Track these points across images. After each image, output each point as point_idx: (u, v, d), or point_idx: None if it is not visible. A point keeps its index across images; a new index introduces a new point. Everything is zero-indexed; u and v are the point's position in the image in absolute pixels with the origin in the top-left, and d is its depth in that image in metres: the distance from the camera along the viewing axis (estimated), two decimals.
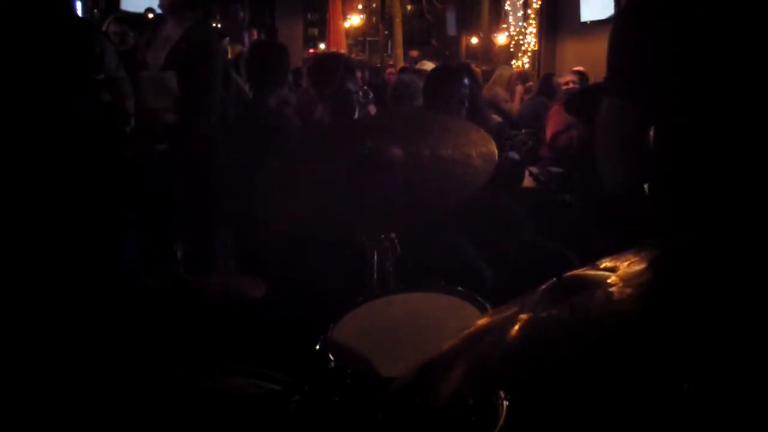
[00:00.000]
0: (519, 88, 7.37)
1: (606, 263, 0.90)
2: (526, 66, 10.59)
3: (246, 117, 3.24)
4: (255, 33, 8.36)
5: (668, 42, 1.26)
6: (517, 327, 0.85)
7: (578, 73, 6.15)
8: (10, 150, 2.13)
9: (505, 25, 12.90)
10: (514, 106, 6.97)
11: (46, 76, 2.23)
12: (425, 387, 0.86)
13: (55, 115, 2.20)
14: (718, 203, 1.23)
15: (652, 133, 1.34)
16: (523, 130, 5.79)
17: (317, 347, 1.41)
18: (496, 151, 1.79)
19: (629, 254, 0.89)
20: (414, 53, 16.60)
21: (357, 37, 19.51)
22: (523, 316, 0.86)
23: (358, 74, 4.55)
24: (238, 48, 7.03)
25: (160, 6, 3.56)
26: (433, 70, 3.87)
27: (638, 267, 0.83)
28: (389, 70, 10.04)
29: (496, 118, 4.12)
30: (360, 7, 17.34)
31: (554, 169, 4.59)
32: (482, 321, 1.02)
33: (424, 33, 20.63)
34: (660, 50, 1.27)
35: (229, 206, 2.71)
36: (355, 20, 16.79)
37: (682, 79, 1.25)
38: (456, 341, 0.95)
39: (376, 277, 1.83)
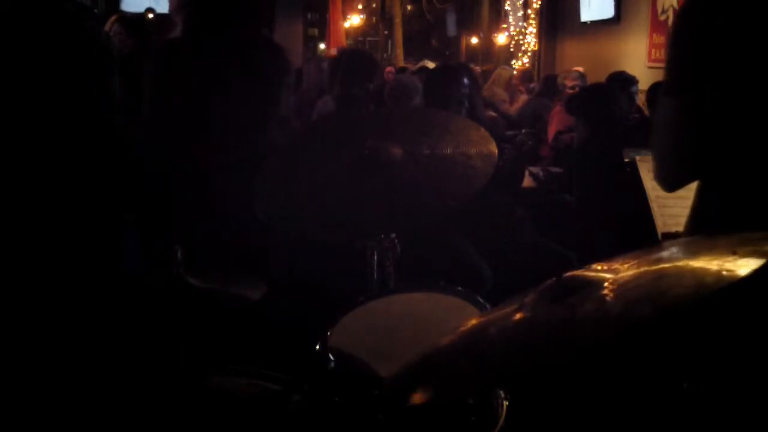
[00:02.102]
0: (523, 98, 7.32)
1: (605, 263, 0.90)
2: (526, 65, 10.60)
3: None
4: None
5: (729, 40, 1.26)
6: (516, 327, 0.85)
7: (582, 74, 6.15)
8: (9, 149, 2.14)
9: (505, 25, 12.92)
10: (514, 108, 6.95)
11: (45, 77, 2.23)
12: (423, 385, 0.86)
13: (53, 115, 2.20)
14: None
15: (708, 132, 1.34)
16: (523, 130, 5.79)
17: (317, 347, 1.41)
18: (497, 151, 1.79)
19: (629, 255, 0.89)
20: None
21: (357, 37, 19.51)
22: (523, 316, 0.86)
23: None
24: None
25: (170, 9, 3.57)
26: (433, 70, 3.88)
27: (638, 268, 0.83)
28: (388, 69, 10.04)
29: (491, 114, 4.12)
30: (360, 7, 17.35)
31: (554, 169, 4.60)
32: (480, 319, 1.02)
33: (424, 33, 20.63)
34: (721, 49, 1.26)
35: (230, 206, 2.71)
36: (355, 20, 16.79)
37: (743, 78, 1.25)
38: (453, 339, 0.94)
39: (376, 277, 1.83)
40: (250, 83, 2.48)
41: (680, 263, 0.83)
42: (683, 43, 1.34)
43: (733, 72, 1.25)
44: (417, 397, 0.84)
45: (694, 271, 0.78)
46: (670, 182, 1.44)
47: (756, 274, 0.70)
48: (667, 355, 0.66)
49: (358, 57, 4.06)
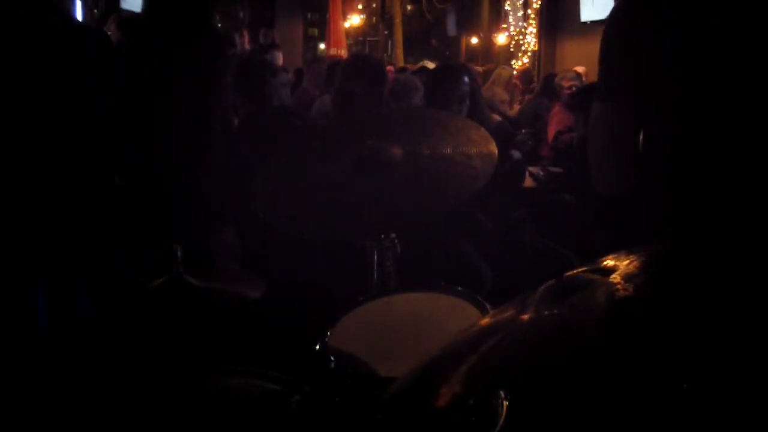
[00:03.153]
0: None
1: (605, 263, 0.90)
2: (526, 65, 10.60)
3: (251, 119, 3.25)
4: (246, 35, 8.36)
5: (661, 47, 1.25)
6: (517, 327, 0.85)
7: (579, 74, 6.15)
8: (8, 150, 2.14)
9: (505, 25, 12.91)
10: (513, 111, 6.94)
11: (44, 78, 2.23)
12: (426, 387, 0.86)
13: (52, 116, 2.20)
14: (711, 205, 1.23)
15: (642, 136, 1.33)
16: (523, 130, 5.79)
17: (317, 347, 1.41)
18: (497, 151, 1.79)
19: (628, 254, 0.89)
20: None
21: (357, 37, 19.50)
22: (524, 317, 0.86)
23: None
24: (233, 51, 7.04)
25: None
26: (433, 70, 3.87)
27: (637, 266, 0.83)
28: (388, 68, 10.05)
29: (497, 117, 4.12)
30: (360, 7, 17.32)
31: (554, 169, 4.60)
32: (483, 321, 1.02)
33: (424, 33, 20.62)
34: (653, 55, 1.26)
35: (230, 206, 2.71)
36: (355, 20, 16.77)
37: (677, 84, 1.24)
38: (457, 342, 0.95)
39: (376, 277, 1.83)
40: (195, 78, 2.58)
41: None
42: (615, 48, 1.34)
43: (666, 78, 1.25)
44: (423, 401, 0.84)
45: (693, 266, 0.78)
46: (605, 190, 1.44)
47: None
48: (666, 353, 0.67)
49: (365, 57, 4.04)
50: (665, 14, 1.27)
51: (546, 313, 0.83)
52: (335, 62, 6.05)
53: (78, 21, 2.65)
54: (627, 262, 0.86)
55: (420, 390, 0.87)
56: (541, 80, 7.46)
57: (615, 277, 0.82)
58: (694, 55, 1.23)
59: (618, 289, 0.78)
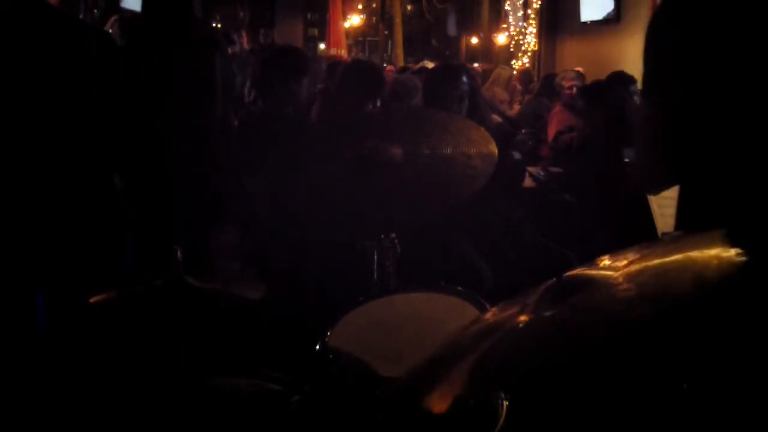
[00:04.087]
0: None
1: (605, 262, 0.90)
2: (526, 65, 10.60)
3: (257, 119, 3.25)
4: (246, 35, 8.37)
5: (700, 45, 1.26)
6: (517, 327, 0.85)
7: (580, 74, 6.15)
8: (10, 151, 2.14)
9: (505, 25, 12.90)
10: (513, 111, 6.94)
11: (44, 78, 2.23)
12: (426, 387, 0.86)
13: (51, 116, 2.20)
14: (747, 205, 1.23)
15: (686, 134, 1.34)
16: (523, 130, 5.79)
17: (317, 347, 1.41)
18: (496, 151, 1.79)
19: (629, 253, 0.89)
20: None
21: (357, 37, 19.50)
22: (524, 317, 0.86)
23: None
24: (233, 49, 7.03)
25: None
26: (433, 69, 3.87)
27: (638, 266, 0.83)
28: (389, 68, 10.03)
29: (497, 118, 4.12)
30: (360, 7, 17.32)
31: (554, 169, 4.60)
32: (482, 321, 1.02)
33: (424, 33, 20.63)
34: (692, 53, 1.27)
35: (230, 206, 2.71)
36: (355, 20, 16.76)
37: (715, 82, 1.25)
38: (456, 341, 0.94)
39: (376, 277, 1.83)
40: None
41: (680, 258, 0.83)
42: (656, 45, 1.34)
43: (704, 77, 1.25)
44: (423, 401, 0.84)
45: (695, 267, 0.78)
46: (647, 185, 1.44)
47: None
48: (668, 355, 0.66)
49: (362, 66, 3.82)
50: (673, 15, 1.28)
51: (546, 313, 0.83)
52: (335, 62, 6.05)
53: (80, 20, 2.65)
54: (627, 261, 0.86)
55: (420, 390, 0.87)
56: (541, 80, 7.46)
57: (616, 277, 0.82)
58: (696, 55, 1.24)
59: (619, 289, 0.78)
